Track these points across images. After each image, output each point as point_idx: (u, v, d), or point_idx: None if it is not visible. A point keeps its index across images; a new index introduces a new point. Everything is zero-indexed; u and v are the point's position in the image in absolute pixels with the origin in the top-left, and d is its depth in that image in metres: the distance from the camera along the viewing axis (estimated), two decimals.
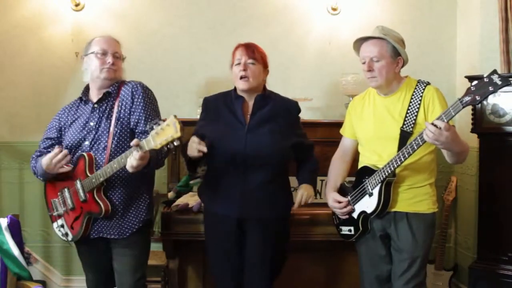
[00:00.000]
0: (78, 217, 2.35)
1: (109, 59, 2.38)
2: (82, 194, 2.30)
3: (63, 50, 3.60)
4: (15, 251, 2.43)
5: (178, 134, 1.98)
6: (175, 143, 2.00)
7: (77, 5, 3.56)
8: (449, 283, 3.47)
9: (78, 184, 2.31)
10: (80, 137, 2.38)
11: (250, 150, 2.35)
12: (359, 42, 2.39)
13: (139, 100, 2.39)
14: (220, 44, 3.53)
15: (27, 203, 3.65)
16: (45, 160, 2.31)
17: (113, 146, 2.33)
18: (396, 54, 2.33)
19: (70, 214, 2.38)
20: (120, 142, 2.35)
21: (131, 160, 2.12)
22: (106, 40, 2.43)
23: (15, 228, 2.48)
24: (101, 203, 2.28)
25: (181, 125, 1.98)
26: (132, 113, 2.38)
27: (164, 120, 2.04)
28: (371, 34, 2.36)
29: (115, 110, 2.38)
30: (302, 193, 2.43)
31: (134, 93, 2.40)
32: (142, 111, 2.38)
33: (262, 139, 2.37)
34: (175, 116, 2.00)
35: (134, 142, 2.10)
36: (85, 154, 2.32)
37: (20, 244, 2.48)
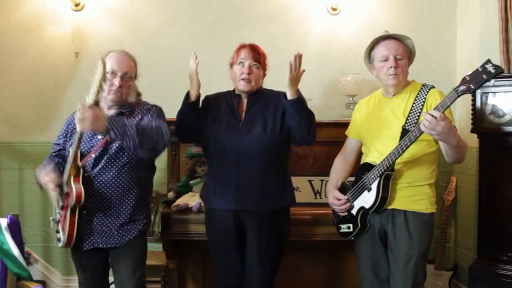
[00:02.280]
0: (65, 215, 2.29)
1: (117, 81, 2.29)
2: (65, 187, 2.26)
3: (63, 50, 3.60)
4: (15, 251, 2.44)
5: (102, 70, 1.98)
6: (105, 75, 2.03)
7: (77, 5, 3.56)
8: (449, 283, 3.47)
9: (65, 177, 2.27)
10: (87, 148, 2.34)
11: (244, 143, 2.39)
12: (377, 41, 2.41)
13: (148, 112, 2.37)
14: (220, 44, 3.53)
15: (27, 203, 3.65)
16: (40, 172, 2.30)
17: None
18: (408, 57, 2.43)
19: (61, 214, 2.33)
20: (131, 162, 2.33)
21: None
22: (118, 58, 2.33)
23: (15, 228, 2.49)
24: (74, 187, 2.19)
25: (104, 63, 2.00)
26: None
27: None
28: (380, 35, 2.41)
29: None
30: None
31: (147, 111, 2.37)
32: (146, 112, 2.36)
33: (255, 131, 2.41)
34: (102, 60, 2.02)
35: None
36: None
37: (20, 244, 2.49)
